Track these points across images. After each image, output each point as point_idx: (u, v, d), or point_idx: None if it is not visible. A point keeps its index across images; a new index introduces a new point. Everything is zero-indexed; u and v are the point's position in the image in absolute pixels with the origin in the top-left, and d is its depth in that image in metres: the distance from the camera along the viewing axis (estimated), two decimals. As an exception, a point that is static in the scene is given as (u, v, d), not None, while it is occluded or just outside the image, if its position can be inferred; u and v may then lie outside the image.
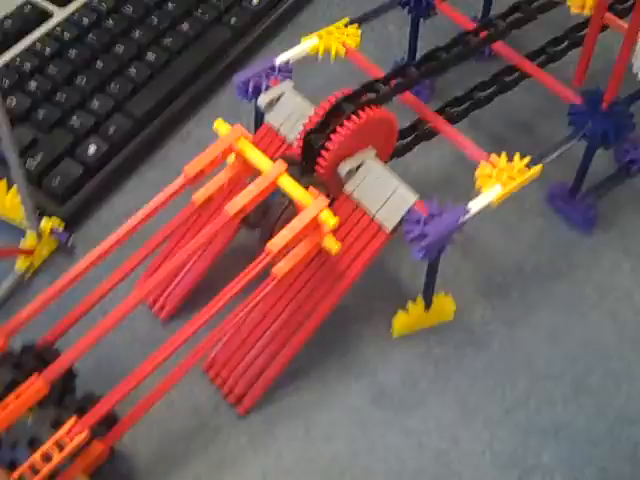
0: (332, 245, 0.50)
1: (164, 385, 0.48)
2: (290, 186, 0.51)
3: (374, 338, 0.58)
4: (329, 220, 0.49)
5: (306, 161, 0.54)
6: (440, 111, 0.60)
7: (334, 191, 0.54)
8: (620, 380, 0.56)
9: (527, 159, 0.54)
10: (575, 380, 0.56)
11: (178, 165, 0.53)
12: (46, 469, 0.43)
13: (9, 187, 0.61)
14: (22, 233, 0.60)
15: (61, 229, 0.60)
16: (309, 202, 0.50)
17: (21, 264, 0.59)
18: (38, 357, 0.48)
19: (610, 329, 0.59)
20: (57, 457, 0.44)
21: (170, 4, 0.73)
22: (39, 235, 0.59)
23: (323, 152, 0.53)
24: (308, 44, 0.62)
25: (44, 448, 0.44)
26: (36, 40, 0.71)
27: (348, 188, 0.54)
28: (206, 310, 0.48)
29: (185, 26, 0.72)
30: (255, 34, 0.74)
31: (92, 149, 0.64)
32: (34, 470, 0.43)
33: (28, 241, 0.59)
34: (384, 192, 0.53)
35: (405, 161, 0.59)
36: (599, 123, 0.57)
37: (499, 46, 0.63)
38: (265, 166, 0.52)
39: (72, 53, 0.69)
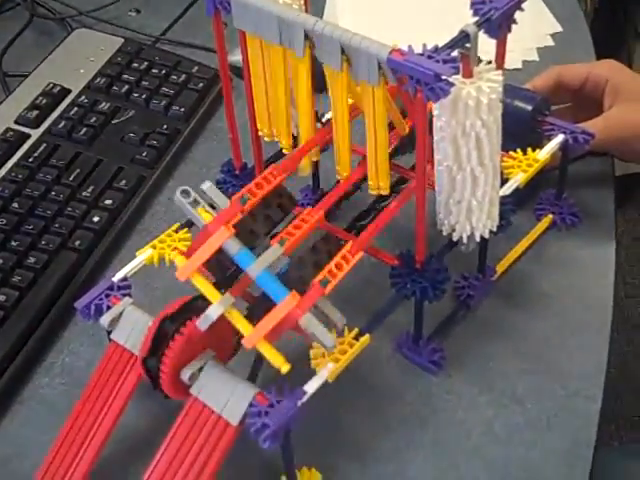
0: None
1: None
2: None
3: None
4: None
5: (152, 380, 0.57)
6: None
7: (182, 395, 0.57)
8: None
9: (355, 332, 0.57)
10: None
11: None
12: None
13: None
14: None
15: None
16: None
17: None
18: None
19: (479, 466, 0.61)
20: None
21: (13, 242, 0.74)
22: None
23: (161, 373, 0.56)
24: (143, 256, 0.64)
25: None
26: None
27: (194, 390, 0.56)
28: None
29: (31, 259, 0.73)
30: (99, 254, 0.76)
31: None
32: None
33: None
34: (225, 390, 0.55)
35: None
36: (416, 283, 0.60)
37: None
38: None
39: None
